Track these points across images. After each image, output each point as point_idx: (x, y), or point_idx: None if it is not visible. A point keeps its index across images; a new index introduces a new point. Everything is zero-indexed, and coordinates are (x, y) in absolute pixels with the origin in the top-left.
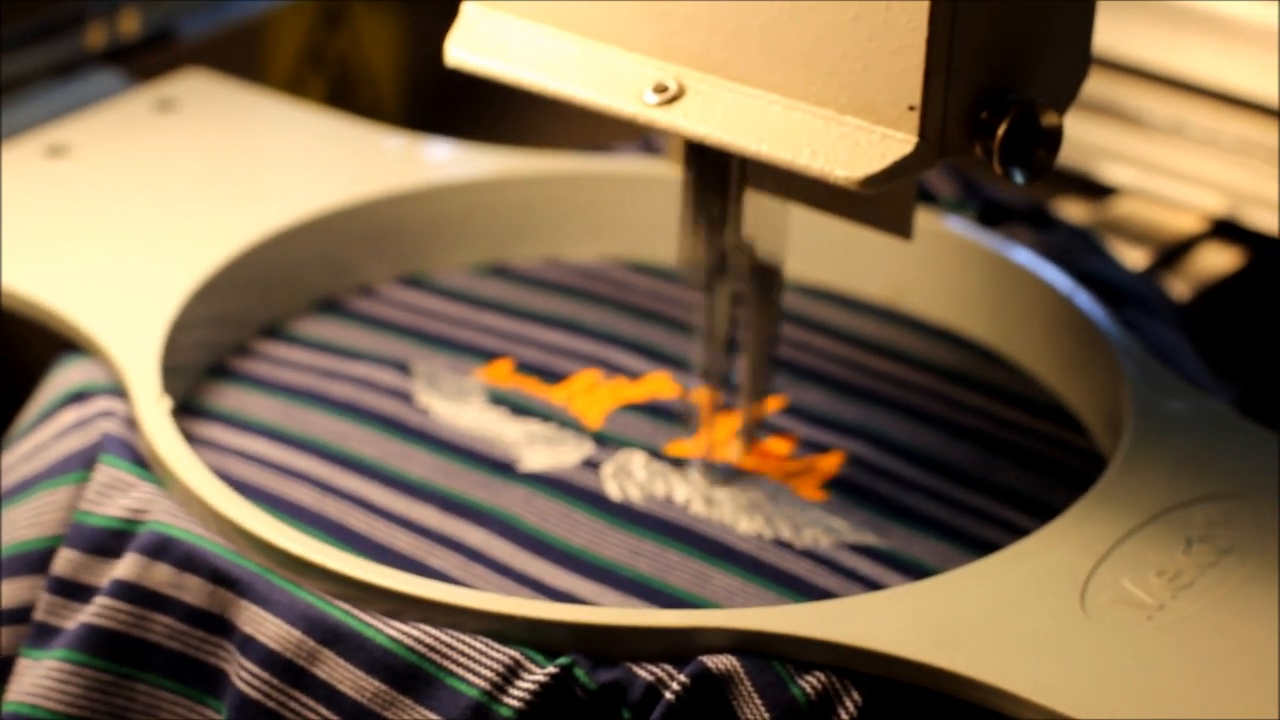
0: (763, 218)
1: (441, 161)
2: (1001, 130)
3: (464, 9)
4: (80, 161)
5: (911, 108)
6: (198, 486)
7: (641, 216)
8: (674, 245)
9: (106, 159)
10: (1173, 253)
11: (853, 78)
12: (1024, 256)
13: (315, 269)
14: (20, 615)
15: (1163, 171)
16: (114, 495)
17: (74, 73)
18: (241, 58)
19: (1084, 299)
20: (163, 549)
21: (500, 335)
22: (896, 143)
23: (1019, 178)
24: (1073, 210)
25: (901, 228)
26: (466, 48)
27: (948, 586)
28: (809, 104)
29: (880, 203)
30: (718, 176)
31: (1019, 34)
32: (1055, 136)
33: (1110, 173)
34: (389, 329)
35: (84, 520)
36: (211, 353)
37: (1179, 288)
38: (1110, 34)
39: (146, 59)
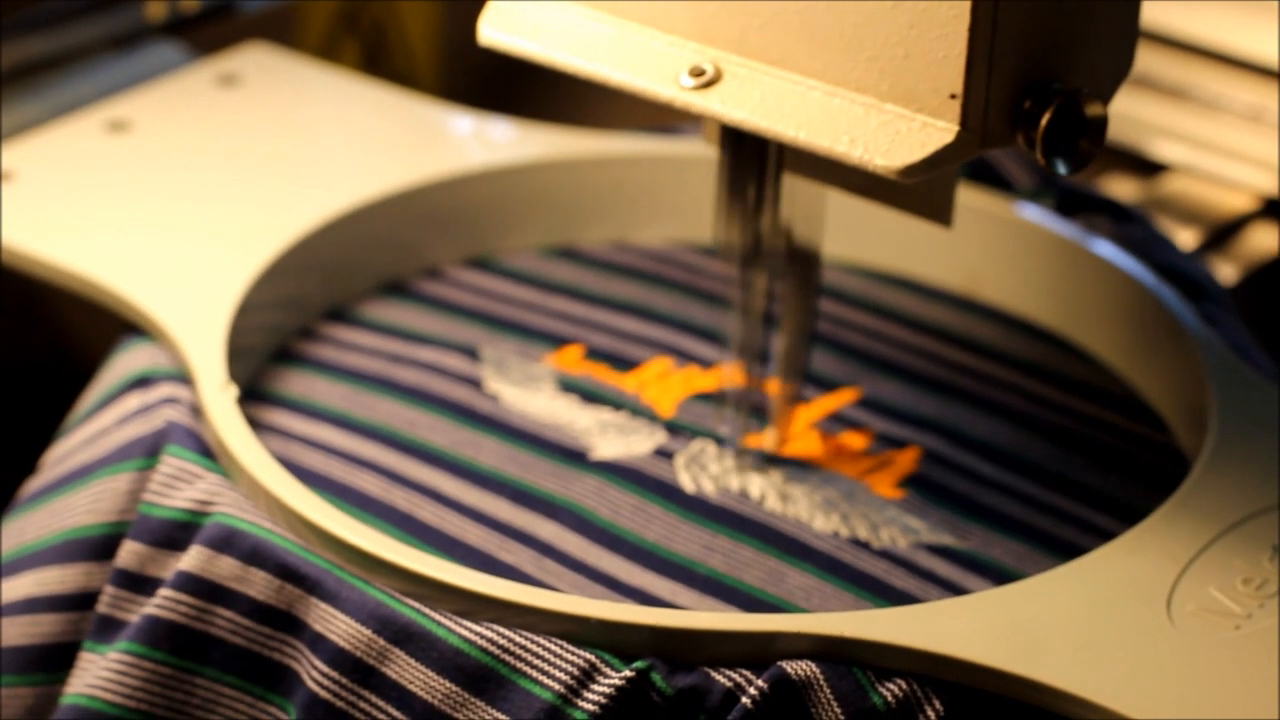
0: (800, 200)
1: (507, 141)
2: (1045, 120)
3: None
4: (141, 137)
5: (953, 96)
6: (265, 478)
7: (710, 199)
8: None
9: (168, 135)
10: (1223, 232)
11: (893, 64)
12: (1103, 248)
13: (381, 251)
14: (76, 601)
15: (1214, 149)
16: (180, 487)
17: (134, 45)
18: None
19: (1165, 292)
20: (228, 542)
21: (570, 320)
22: (937, 131)
23: (1062, 168)
24: (1122, 187)
25: (942, 215)
26: (499, 27)
27: (1032, 592)
28: (848, 90)
29: (920, 189)
30: (754, 159)
31: (1063, 21)
32: (1100, 127)
33: (1161, 149)
34: (456, 312)
35: (149, 512)
36: (276, 336)
37: (1227, 269)
38: (1162, 9)
39: (207, 31)
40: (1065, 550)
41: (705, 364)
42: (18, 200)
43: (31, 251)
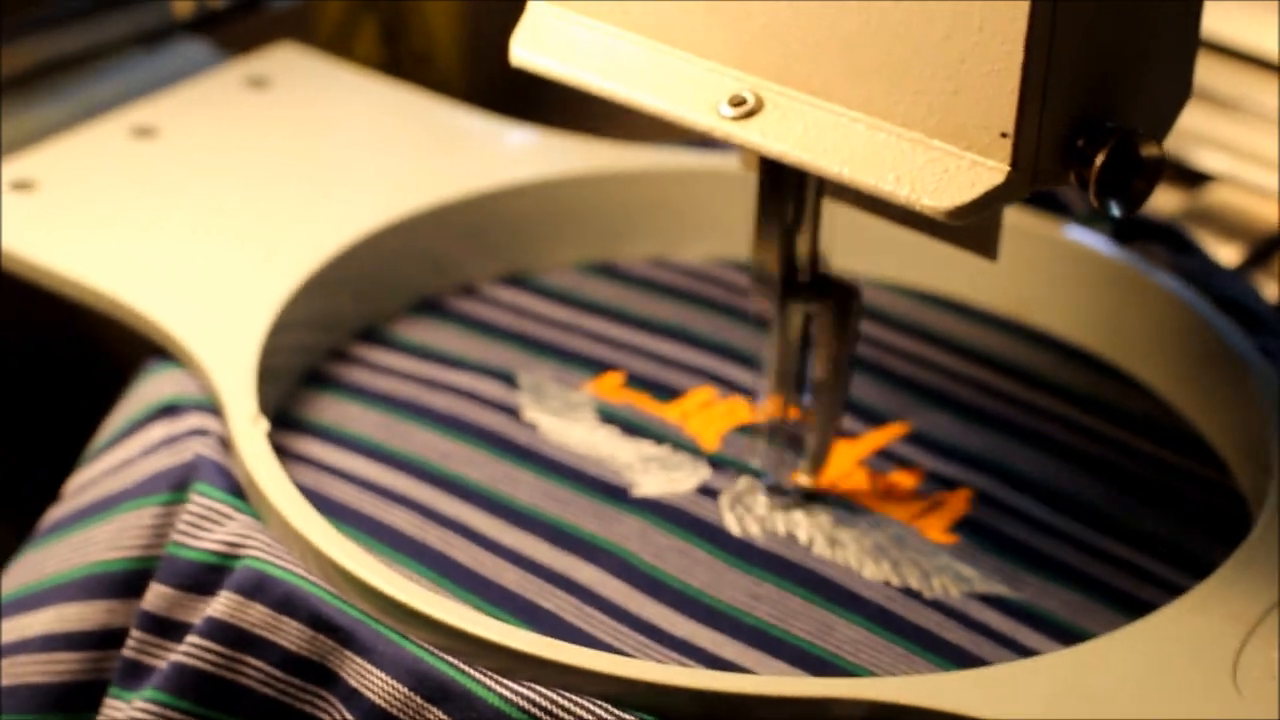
0: (840, 227)
1: (545, 154)
2: (1099, 160)
3: (530, 7)
4: (167, 144)
5: (1004, 135)
6: (297, 522)
7: (753, 214)
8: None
9: (195, 142)
10: (1268, 246)
11: (942, 99)
12: (1161, 276)
13: (415, 267)
14: (98, 639)
15: (1259, 159)
16: (208, 527)
17: (160, 43)
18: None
19: (1223, 324)
20: (258, 588)
21: (609, 343)
22: (987, 171)
23: (1115, 210)
24: (1163, 198)
25: (987, 248)
26: (531, 48)
27: (1091, 657)
28: (894, 124)
29: None
30: (793, 185)
31: (1118, 57)
32: (1155, 168)
33: (1203, 159)
34: (492, 333)
35: (177, 554)
36: (306, 357)
37: (1271, 286)
38: (1206, 14)
39: (234, 27)
40: (1122, 602)
41: (749, 394)
42: (40, 211)
43: (53, 267)
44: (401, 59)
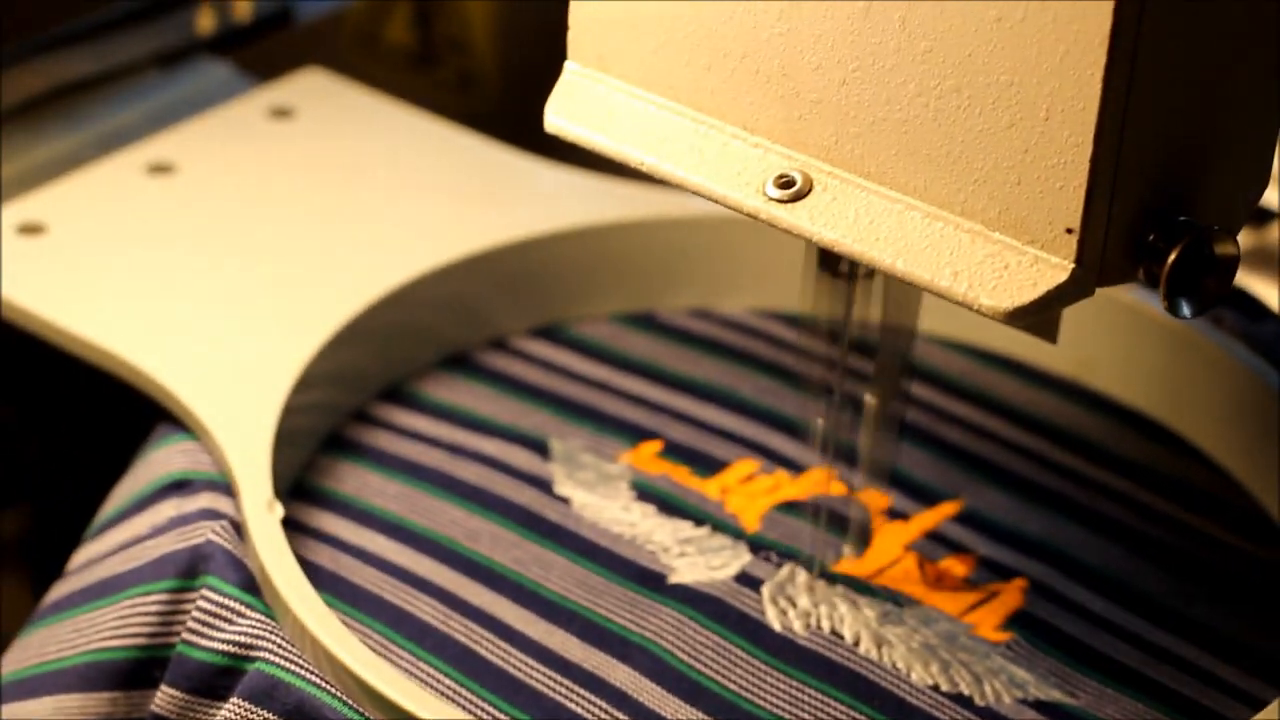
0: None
1: (580, 198)
2: (1172, 258)
3: (566, 70)
4: (185, 182)
5: (1069, 230)
6: (312, 625)
7: (797, 265)
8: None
9: (214, 180)
10: None
11: (1004, 189)
12: (1231, 344)
13: (443, 319)
14: None
15: None
16: (219, 625)
17: (180, 64)
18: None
19: None
20: (268, 694)
21: (647, 406)
22: (1050, 269)
23: (1186, 310)
24: None
25: (1047, 331)
26: (566, 115)
27: None
28: (952, 214)
29: None
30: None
31: (1193, 146)
32: (1229, 267)
33: (1266, 196)
34: (524, 392)
35: (187, 654)
36: (327, 418)
37: None
38: None
39: (259, 47)
40: (1185, 710)
41: (793, 468)
42: (48, 259)
43: (59, 322)
44: (434, 44)
